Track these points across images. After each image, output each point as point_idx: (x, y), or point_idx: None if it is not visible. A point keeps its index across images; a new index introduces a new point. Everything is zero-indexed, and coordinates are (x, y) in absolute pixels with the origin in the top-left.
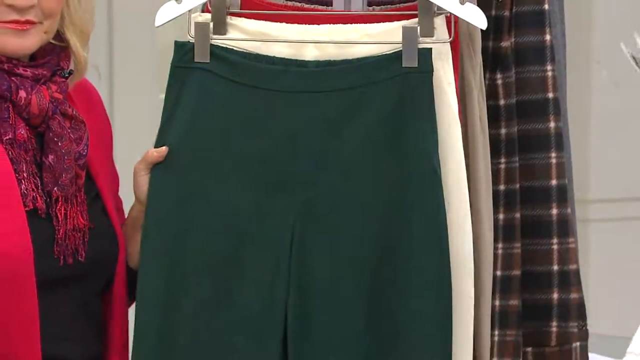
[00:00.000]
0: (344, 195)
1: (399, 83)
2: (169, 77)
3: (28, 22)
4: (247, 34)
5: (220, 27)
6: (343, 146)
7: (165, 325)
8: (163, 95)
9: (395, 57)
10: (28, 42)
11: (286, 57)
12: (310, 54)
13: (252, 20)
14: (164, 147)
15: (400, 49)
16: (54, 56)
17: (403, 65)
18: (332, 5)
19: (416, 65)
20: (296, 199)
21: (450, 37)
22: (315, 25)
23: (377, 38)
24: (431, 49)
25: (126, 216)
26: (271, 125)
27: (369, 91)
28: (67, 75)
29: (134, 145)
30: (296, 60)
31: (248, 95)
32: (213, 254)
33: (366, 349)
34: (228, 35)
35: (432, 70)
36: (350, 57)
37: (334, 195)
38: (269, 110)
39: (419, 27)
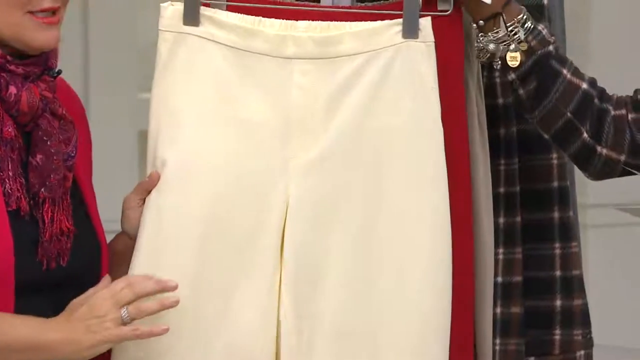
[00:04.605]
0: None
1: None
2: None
3: (55, 12)
4: (222, 27)
5: (193, 18)
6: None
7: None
8: (143, 95)
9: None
10: (55, 36)
11: (265, 52)
12: (288, 50)
13: (227, 13)
14: (155, 173)
15: (397, 22)
16: (43, 54)
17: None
18: (319, 1)
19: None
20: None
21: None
22: (294, 21)
23: (359, 36)
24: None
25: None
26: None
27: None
28: (55, 75)
29: (111, 147)
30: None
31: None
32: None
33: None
34: (201, 28)
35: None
36: (331, 56)
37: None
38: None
39: (403, 27)
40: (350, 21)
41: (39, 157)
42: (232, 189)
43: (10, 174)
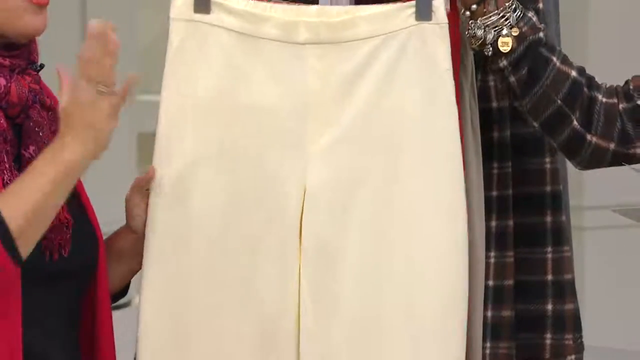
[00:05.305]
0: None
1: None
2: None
3: None
4: (233, 14)
5: (204, 5)
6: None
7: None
8: (143, 97)
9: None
10: (44, 21)
11: (277, 37)
12: (301, 36)
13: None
14: (152, 169)
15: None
16: (26, 47)
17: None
18: (317, 3)
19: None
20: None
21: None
22: (305, 6)
23: (372, 19)
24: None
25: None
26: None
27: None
28: (38, 68)
29: (110, 149)
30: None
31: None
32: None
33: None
34: (212, 15)
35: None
36: (344, 40)
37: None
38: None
39: (416, 9)
40: (363, 4)
41: (31, 148)
42: (250, 176)
43: (7, 166)
